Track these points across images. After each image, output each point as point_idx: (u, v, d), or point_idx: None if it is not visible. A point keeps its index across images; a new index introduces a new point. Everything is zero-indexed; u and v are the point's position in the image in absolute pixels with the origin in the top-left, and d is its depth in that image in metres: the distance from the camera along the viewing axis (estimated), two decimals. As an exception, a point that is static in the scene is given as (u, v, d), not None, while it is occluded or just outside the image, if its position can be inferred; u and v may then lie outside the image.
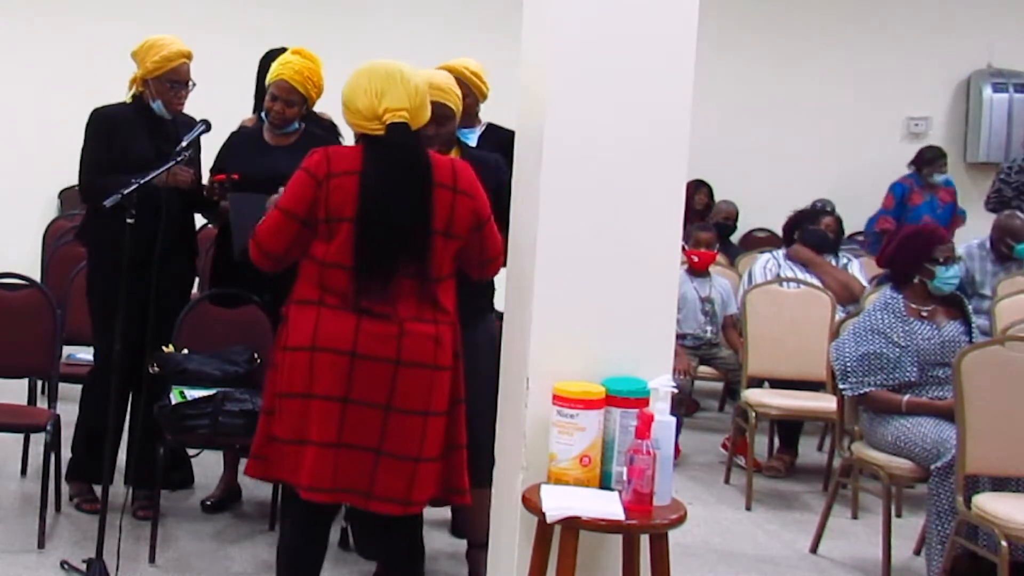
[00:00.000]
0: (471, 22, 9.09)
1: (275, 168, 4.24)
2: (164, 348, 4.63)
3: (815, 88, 9.82)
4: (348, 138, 3.94)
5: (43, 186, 8.62)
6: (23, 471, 5.31)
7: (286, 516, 3.57)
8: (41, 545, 4.43)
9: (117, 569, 4.09)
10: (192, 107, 4.89)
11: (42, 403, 5.41)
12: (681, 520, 3.18)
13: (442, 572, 4.45)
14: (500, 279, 3.75)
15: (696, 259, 6.86)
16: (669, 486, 3.20)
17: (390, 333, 3.27)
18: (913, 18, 9.87)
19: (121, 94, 4.87)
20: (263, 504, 4.99)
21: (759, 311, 6.05)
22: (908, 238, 4.95)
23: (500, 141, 4.28)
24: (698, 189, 9.28)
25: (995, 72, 9.88)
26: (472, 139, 4.50)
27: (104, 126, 4.78)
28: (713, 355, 6.74)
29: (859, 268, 6.77)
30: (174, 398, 4.47)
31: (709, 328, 6.77)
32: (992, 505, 4.03)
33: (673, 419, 3.23)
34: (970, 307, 4.99)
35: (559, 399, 3.22)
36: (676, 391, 3.35)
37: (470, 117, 4.48)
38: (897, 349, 4.71)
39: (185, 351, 4.66)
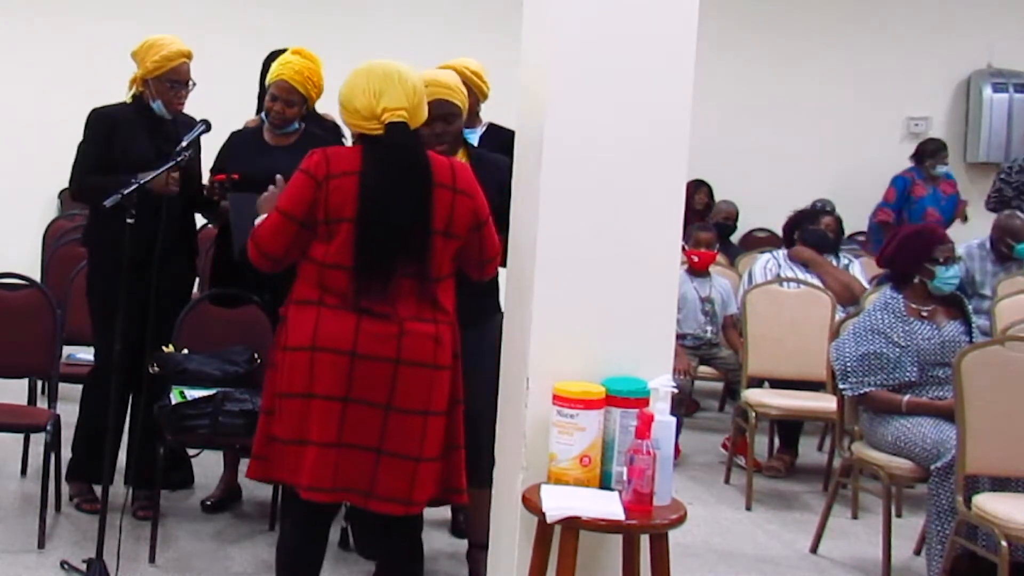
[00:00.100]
0: (471, 22, 9.09)
1: (275, 168, 4.23)
2: (164, 348, 4.63)
3: (815, 88, 9.83)
4: (350, 139, 3.94)
5: (43, 186, 8.62)
6: (23, 471, 5.31)
7: (286, 516, 3.57)
8: (41, 545, 4.43)
9: (117, 569, 4.09)
10: (192, 107, 4.89)
11: (42, 403, 5.41)
12: (681, 520, 3.18)
13: (442, 572, 4.45)
14: (502, 278, 3.75)
15: (696, 259, 6.86)
16: (669, 486, 3.20)
17: (390, 333, 3.27)
18: (913, 18, 9.87)
19: (121, 94, 4.87)
20: (263, 504, 4.99)
21: (759, 311, 6.05)
22: (908, 238, 4.95)
23: (502, 141, 4.28)
24: (698, 189, 9.28)
25: (995, 72, 9.89)
26: (473, 139, 4.50)
27: (103, 126, 4.78)
28: (713, 355, 6.74)
29: (860, 269, 6.77)
30: (174, 398, 4.47)
31: (709, 328, 6.77)
32: (992, 505, 4.03)
33: (673, 419, 3.23)
34: (970, 307, 4.99)
35: (559, 399, 3.22)
36: (676, 391, 3.35)
37: (471, 117, 4.48)
38: (897, 349, 4.71)
39: (185, 351, 4.66)
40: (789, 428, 6.36)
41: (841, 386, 4.81)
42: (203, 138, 4.73)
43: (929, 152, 8.91)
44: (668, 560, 3.23)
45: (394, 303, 3.29)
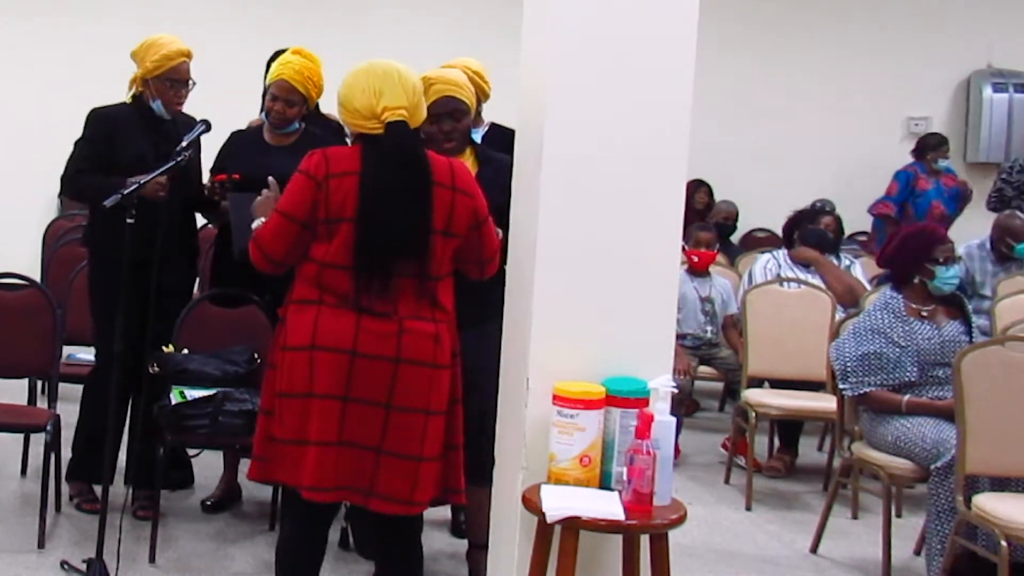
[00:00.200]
0: (471, 22, 9.10)
1: (275, 168, 4.24)
2: (164, 348, 4.63)
3: (815, 88, 9.83)
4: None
5: (43, 186, 8.58)
6: (23, 471, 5.31)
7: (286, 516, 3.57)
8: (41, 545, 4.43)
9: (117, 569, 4.09)
10: (192, 107, 4.90)
11: (42, 403, 5.40)
12: (681, 520, 3.18)
13: (442, 572, 4.45)
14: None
15: (696, 259, 6.86)
16: (669, 486, 3.20)
17: (390, 331, 3.27)
18: (913, 18, 9.87)
19: (121, 94, 4.87)
20: (263, 504, 4.99)
21: (759, 311, 6.05)
22: (908, 238, 4.96)
23: (504, 141, 4.28)
24: (698, 189, 9.27)
25: (995, 72, 9.89)
26: (476, 139, 4.50)
27: (102, 126, 4.78)
28: (713, 355, 6.74)
29: (861, 271, 6.77)
30: (174, 398, 4.47)
31: (709, 328, 6.77)
32: (992, 505, 4.03)
33: (673, 419, 3.23)
34: (970, 307, 4.99)
35: (559, 399, 3.22)
36: (676, 391, 3.35)
37: (474, 117, 4.48)
38: (897, 349, 4.71)
39: (185, 351, 4.66)
40: (789, 428, 6.36)
41: (841, 386, 4.81)
42: (203, 138, 4.73)
43: (931, 146, 8.91)
44: (668, 560, 3.23)
45: (394, 302, 3.29)
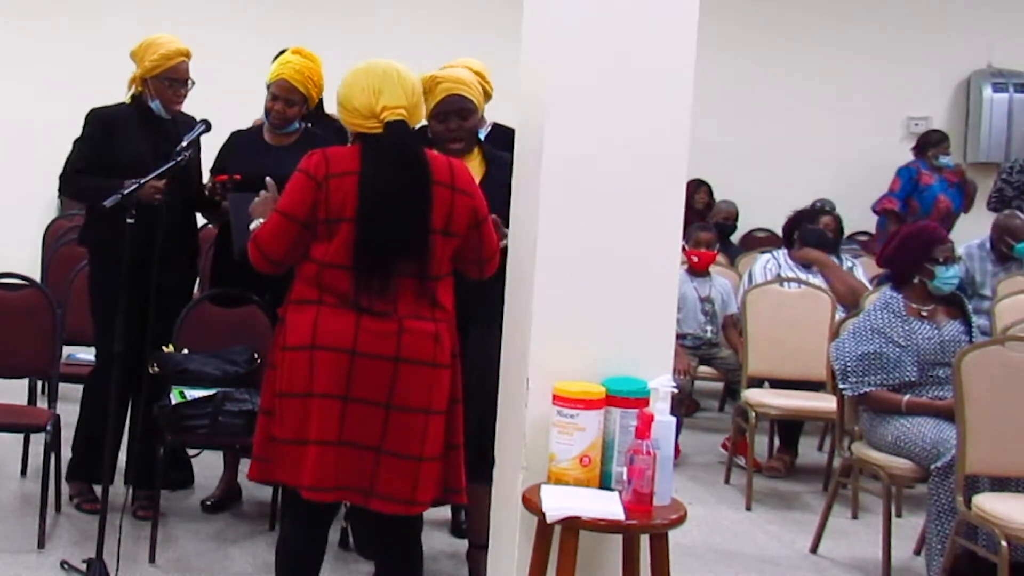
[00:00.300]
0: (471, 22, 9.09)
1: (275, 168, 4.24)
2: (164, 348, 4.63)
3: (815, 88, 9.82)
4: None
5: (43, 186, 8.54)
6: (23, 471, 5.31)
7: (286, 516, 3.57)
8: (41, 545, 4.43)
9: (117, 569, 4.09)
10: (192, 107, 4.89)
11: (42, 403, 5.41)
12: (681, 520, 3.18)
13: (442, 572, 4.45)
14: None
15: (696, 259, 6.86)
16: (669, 486, 3.20)
17: (389, 330, 3.26)
18: (913, 18, 9.87)
19: (121, 94, 4.87)
20: (263, 504, 4.99)
21: (759, 311, 6.05)
22: (908, 238, 4.96)
23: (507, 141, 4.28)
24: (698, 189, 9.27)
25: (995, 72, 9.88)
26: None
27: (102, 126, 4.78)
28: (713, 355, 6.74)
29: (863, 272, 6.76)
30: (174, 398, 4.47)
31: (709, 328, 6.77)
32: (992, 505, 4.03)
33: (673, 419, 3.23)
34: (970, 307, 4.99)
35: (559, 399, 3.22)
36: (676, 391, 3.35)
37: None
38: (897, 349, 4.71)
39: (185, 351, 4.66)
40: (789, 428, 6.36)
41: (841, 386, 4.81)
42: (203, 138, 4.73)
43: (932, 143, 8.91)
44: (668, 560, 3.22)
45: (394, 302, 3.29)
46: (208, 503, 5.02)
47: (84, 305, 4.97)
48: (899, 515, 5.42)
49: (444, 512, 4.78)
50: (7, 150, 8.65)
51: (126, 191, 4.03)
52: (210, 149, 4.96)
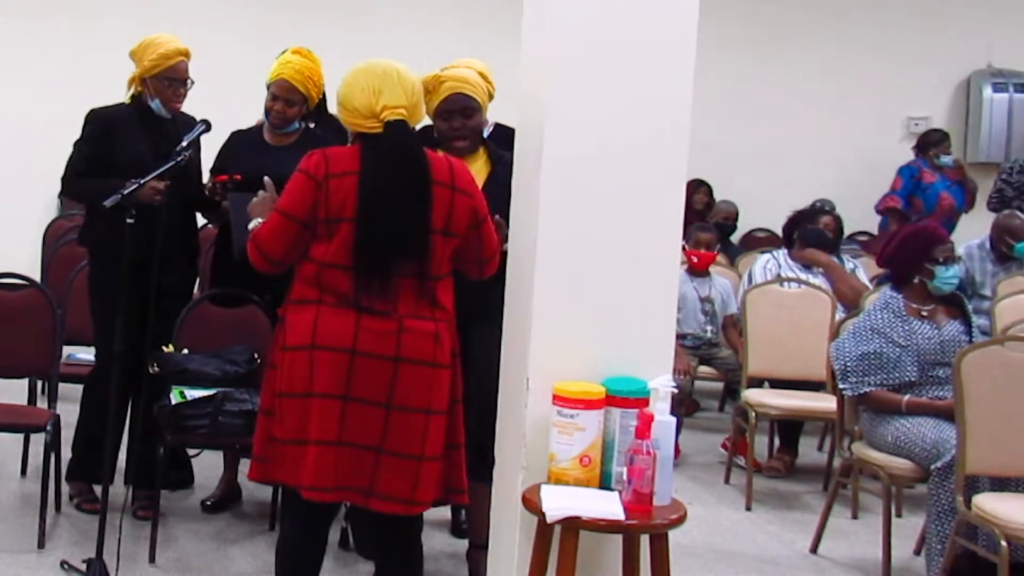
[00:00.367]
0: (471, 22, 9.09)
1: (275, 168, 4.24)
2: (164, 348, 4.63)
3: (815, 88, 9.82)
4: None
5: (43, 186, 8.57)
6: (23, 471, 5.31)
7: (286, 516, 3.57)
8: (41, 545, 4.43)
9: (117, 569, 4.09)
10: (192, 106, 4.89)
11: (42, 403, 5.40)
12: (681, 520, 3.18)
13: (442, 572, 4.45)
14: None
15: (696, 259, 6.86)
16: (669, 486, 3.20)
17: (389, 330, 3.26)
18: (913, 18, 9.87)
19: (121, 94, 4.87)
20: (263, 504, 4.99)
21: (759, 311, 6.04)
22: (908, 238, 4.96)
23: (509, 141, 4.28)
24: (698, 189, 9.27)
25: (995, 72, 9.88)
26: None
27: (101, 126, 4.78)
28: (713, 355, 6.74)
29: (864, 273, 6.76)
30: (174, 398, 4.47)
31: (709, 328, 6.77)
32: (992, 505, 4.03)
33: (673, 419, 3.23)
34: (970, 307, 4.99)
35: (559, 399, 3.22)
36: (676, 391, 3.35)
37: None
38: (897, 349, 4.71)
39: (185, 351, 4.66)
40: (789, 428, 6.36)
41: (841, 386, 4.81)
42: (203, 138, 4.73)
43: (933, 142, 8.92)
44: (668, 560, 3.22)
45: (394, 302, 3.29)
46: (208, 503, 5.02)
47: (84, 305, 4.97)
48: (899, 515, 5.42)
49: (444, 512, 4.78)
50: (7, 150, 8.65)
51: (126, 191, 4.03)
52: (210, 149, 4.96)
